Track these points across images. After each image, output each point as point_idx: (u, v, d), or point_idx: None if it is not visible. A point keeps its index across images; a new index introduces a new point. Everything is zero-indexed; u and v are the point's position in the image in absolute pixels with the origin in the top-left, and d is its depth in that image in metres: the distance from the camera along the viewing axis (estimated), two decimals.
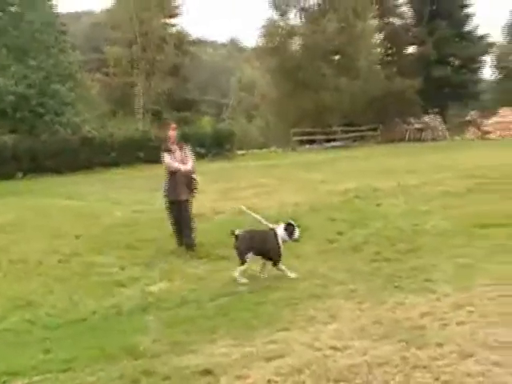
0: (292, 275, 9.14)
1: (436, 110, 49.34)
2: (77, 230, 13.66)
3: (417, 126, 47.32)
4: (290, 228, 9.41)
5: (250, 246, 9.15)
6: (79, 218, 15.60)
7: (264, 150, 43.43)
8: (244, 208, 11.02)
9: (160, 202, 11.98)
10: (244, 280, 9.02)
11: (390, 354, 5.89)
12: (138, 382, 5.61)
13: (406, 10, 56.86)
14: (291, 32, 52.27)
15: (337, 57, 51.78)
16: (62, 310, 8.10)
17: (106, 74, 51.73)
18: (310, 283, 8.75)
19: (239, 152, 39.01)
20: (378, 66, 52.45)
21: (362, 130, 46.96)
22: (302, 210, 14.82)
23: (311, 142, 44.77)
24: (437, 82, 50.92)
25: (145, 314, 7.82)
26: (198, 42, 67.66)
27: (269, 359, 5.98)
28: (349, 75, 47.94)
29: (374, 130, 47.69)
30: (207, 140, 37.57)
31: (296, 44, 51.92)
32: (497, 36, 76.28)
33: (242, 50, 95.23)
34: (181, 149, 11.35)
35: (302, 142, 44.01)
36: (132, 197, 19.62)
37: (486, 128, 44.17)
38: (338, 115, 47.46)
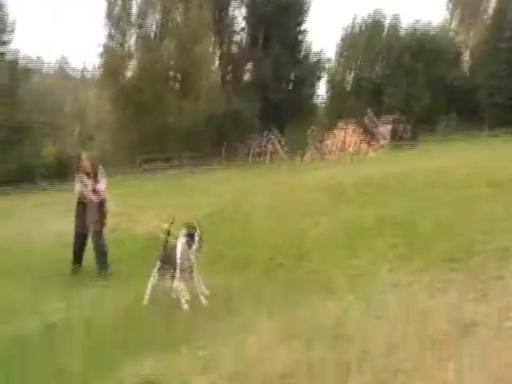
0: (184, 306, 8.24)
1: (273, 131, 50.31)
2: None
3: (257, 149, 48.26)
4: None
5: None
6: None
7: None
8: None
9: None
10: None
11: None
12: None
13: (242, 35, 58.20)
14: (129, 56, 52.10)
15: (177, 80, 52.18)
16: None
17: None
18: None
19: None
20: (218, 88, 53.24)
21: (206, 154, 47.13)
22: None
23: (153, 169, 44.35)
24: (274, 104, 52.27)
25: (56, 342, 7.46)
26: (31, 69, 65.40)
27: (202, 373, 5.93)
28: (190, 97, 48.33)
29: (217, 153, 48.10)
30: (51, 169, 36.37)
31: (134, 68, 51.76)
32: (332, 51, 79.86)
33: (69, 77, 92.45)
34: (94, 174, 11.08)
35: (145, 170, 43.50)
36: None
37: (324, 149, 45.77)
38: (179, 138, 47.48)
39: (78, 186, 11.12)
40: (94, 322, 8.04)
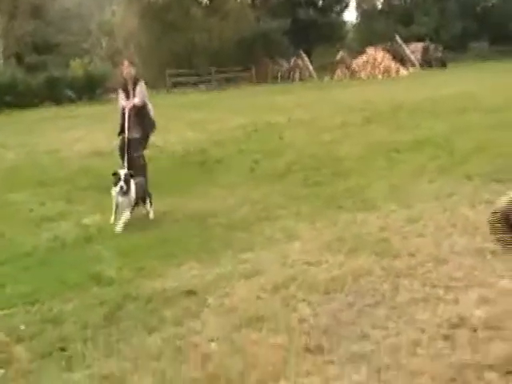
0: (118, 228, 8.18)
1: (303, 51, 49.63)
2: None
3: (287, 66, 47.57)
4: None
5: None
6: None
7: None
8: None
9: None
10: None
11: (367, 266, 5.88)
12: (123, 307, 5.33)
13: None
14: None
15: None
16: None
17: None
18: (249, 208, 8.62)
19: (112, 95, 37.66)
20: (248, 6, 52.24)
21: (235, 71, 46.70)
22: (207, 144, 14.59)
23: (183, 84, 44.06)
24: (303, 23, 51.28)
25: (90, 244, 7.44)
26: None
27: (247, 277, 5.85)
28: (218, 16, 47.64)
29: (247, 70, 47.56)
30: (78, 84, 36.19)
31: None
32: None
33: None
34: (134, 86, 10.64)
35: (174, 85, 43.22)
36: (12, 140, 18.50)
37: (354, 67, 45.01)
38: (207, 57, 47.04)
39: (119, 98, 10.74)
40: (132, 230, 8.00)
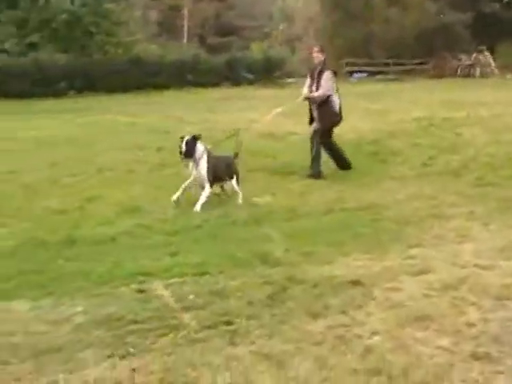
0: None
1: (485, 46, 47.78)
2: (154, 143, 13.39)
3: (467, 61, 45.97)
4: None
5: None
6: (150, 133, 15.36)
7: None
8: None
9: None
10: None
11: None
12: (288, 289, 5.37)
13: None
14: None
15: None
16: (173, 217, 7.87)
17: None
18: (420, 204, 8.43)
19: (289, 80, 38.11)
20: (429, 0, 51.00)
21: (412, 63, 45.86)
22: (380, 135, 14.40)
23: (359, 73, 43.82)
24: (487, 17, 49.27)
25: (260, 224, 7.55)
26: None
27: (414, 274, 5.71)
28: (398, 7, 46.89)
29: (425, 63, 46.54)
30: (256, 66, 36.96)
31: None
32: None
33: None
34: (319, 74, 10.49)
35: (349, 73, 43.10)
36: (194, 116, 19.26)
37: None
38: (385, 47, 46.51)
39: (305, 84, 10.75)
40: (300, 215, 8.05)
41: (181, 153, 8.40)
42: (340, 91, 10.83)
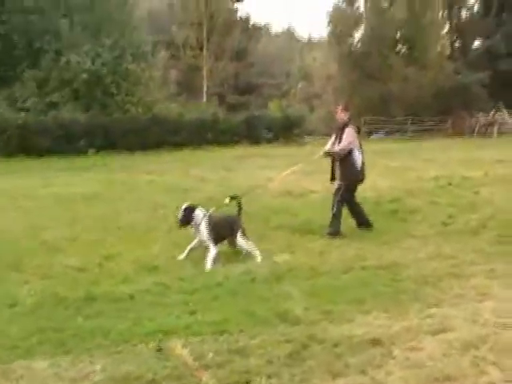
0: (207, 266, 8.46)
1: (502, 103, 47.92)
2: (173, 201, 13.45)
3: (485, 120, 46.18)
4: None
5: None
6: (169, 192, 15.47)
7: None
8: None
9: None
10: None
11: None
12: (308, 347, 5.35)
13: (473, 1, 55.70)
14: (358, 20, 52.02)
15: (403, 47, 51.36)
16: (192, 275, 7.87)
17: (172, 56, 51.49)
18: (440, 263, 8.37)
19: (307, 138, 38.43)
20: (446, 58, 51.61)
21: (431, 122, 46.17)
22: (399, 193, 14.43)
23: (378, 133, 44.21)
24: (504, 75, 49.55)
25: (280, 282, 7.53)
26: (261, 28, 67.63)
27: (434, 333, 5.69)
28: (416, 66, 47.47)
29: (443, 122, 46.85)
30: (275, 124, 37.34)
31: (361, 33, 51.61)
32: None
33: (297, 39, 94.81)
34: (341, 130, 10.51)
35: (368, 132, 43.43)
36: (213, 174, 19.47)
37: None
38: (403, 106, 46.94)
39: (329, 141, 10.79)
40: (321, 273, 8.03)
41: (178, 220, 8.87)
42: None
